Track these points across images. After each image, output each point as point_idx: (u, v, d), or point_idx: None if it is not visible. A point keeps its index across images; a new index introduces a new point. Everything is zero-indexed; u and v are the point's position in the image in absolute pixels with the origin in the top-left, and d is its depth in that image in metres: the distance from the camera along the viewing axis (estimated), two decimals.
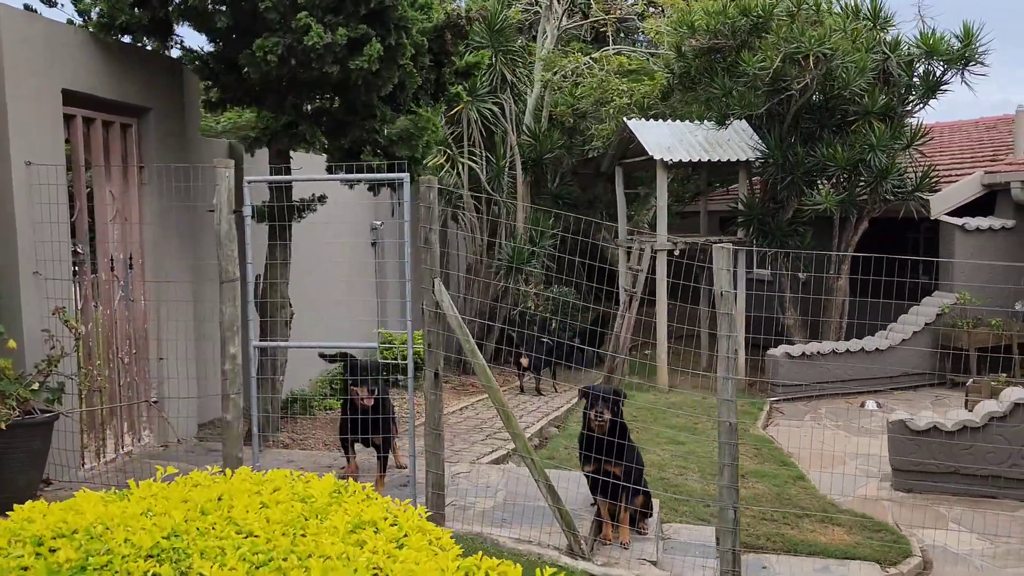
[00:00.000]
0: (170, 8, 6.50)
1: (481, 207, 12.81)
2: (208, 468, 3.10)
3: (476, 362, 5.34)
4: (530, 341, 11.28)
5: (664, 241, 12.34)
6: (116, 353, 6.70)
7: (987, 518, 7.00)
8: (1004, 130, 15.87)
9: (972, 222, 12.57)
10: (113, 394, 6.68)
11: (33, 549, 2.32)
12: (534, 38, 14.83)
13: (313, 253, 8.65)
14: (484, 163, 12.74)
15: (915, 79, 12.15)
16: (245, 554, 2.23)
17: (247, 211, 5.66)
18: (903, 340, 12.32)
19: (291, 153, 7.61)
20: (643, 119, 13.05)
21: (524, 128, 13.51)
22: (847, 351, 12.15)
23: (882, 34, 12.10)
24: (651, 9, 16.77)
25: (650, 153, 12.22)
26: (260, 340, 6.46)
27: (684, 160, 12.43)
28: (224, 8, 6.38)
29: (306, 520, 2.50)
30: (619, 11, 15.58)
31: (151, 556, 2.25)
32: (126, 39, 6.92)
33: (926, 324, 12.36)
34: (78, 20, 7.08)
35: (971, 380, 9.86)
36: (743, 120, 12.66)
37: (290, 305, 7.68)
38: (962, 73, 11.90)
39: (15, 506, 2.67)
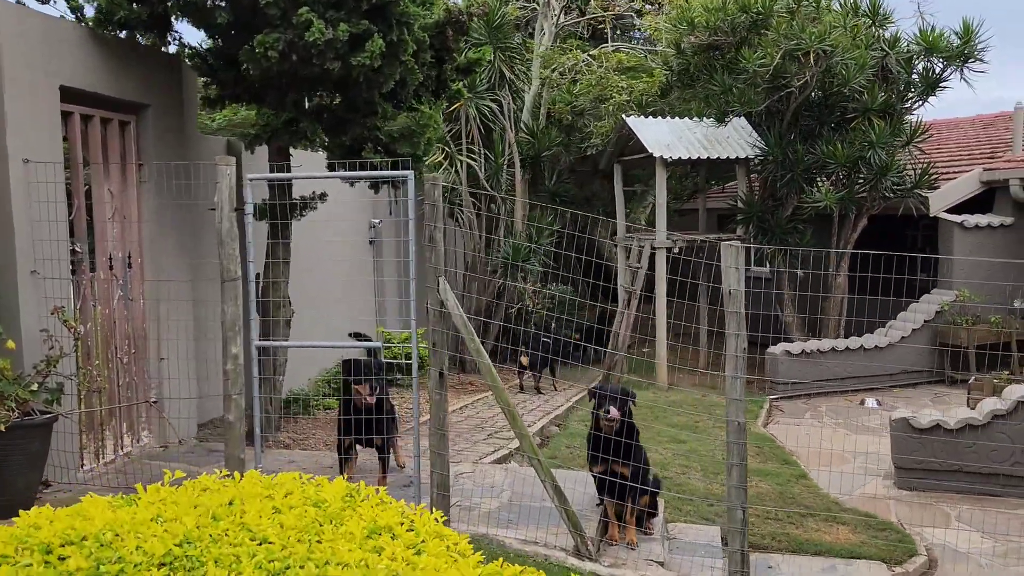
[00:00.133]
0: (169, 3, 6.42)
1: (480, 204, 12.75)
2: (216, 471, 3.04)
3: (482, 361, 5.29)
4: (531, 340, 11.24)
5: (663, 239, 12.30)
6: (115, 353, 6.63)
7: (991, 516, 6.98)
8: (1002, 127, 15.87)
9: (971, 219, 12.56)
10: (112, 394, 6.61)
11: (41, 557, 2.26)
12: (531, 35, 14.78)
13: (312, 251, 8.58)
14: (482, 161, 12.68)
15: (914, 76, 12.14)
16: (261, 562, 2.17)
17: (249, 209, 5.58)
18: (902, 338, 12.31)
19: (290, 151, 7.54)
20: (642, 116, 13.01)
21: (522, 125, 13.46)
22: (847, 349, 12.13)
23: (881, 31, 12.09)
24: (648, 6, 16.72)
25: (649, 150, 12.18)
26: (261, 340, 6.37)
27: (683, 157, 12.39)
28: (224, 3, 6.31)
29: (320, 526, 2.44)
30: (617, 7, 15.51)
31: (164, 564, 2.19)
32: (123, 35, 6.84)
33: (925, 321, 12.35)
34: (70, 17, 7.00)
35: (973, 378, 9.85)
36: (742, 117, 12.63)
37: (290, 304, 7.61)
38: (961, 70, 11.89)
39: (20, 512, 2.60)
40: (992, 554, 6.49)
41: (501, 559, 2.36)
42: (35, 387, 5.32)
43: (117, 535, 2.37)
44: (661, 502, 6.22)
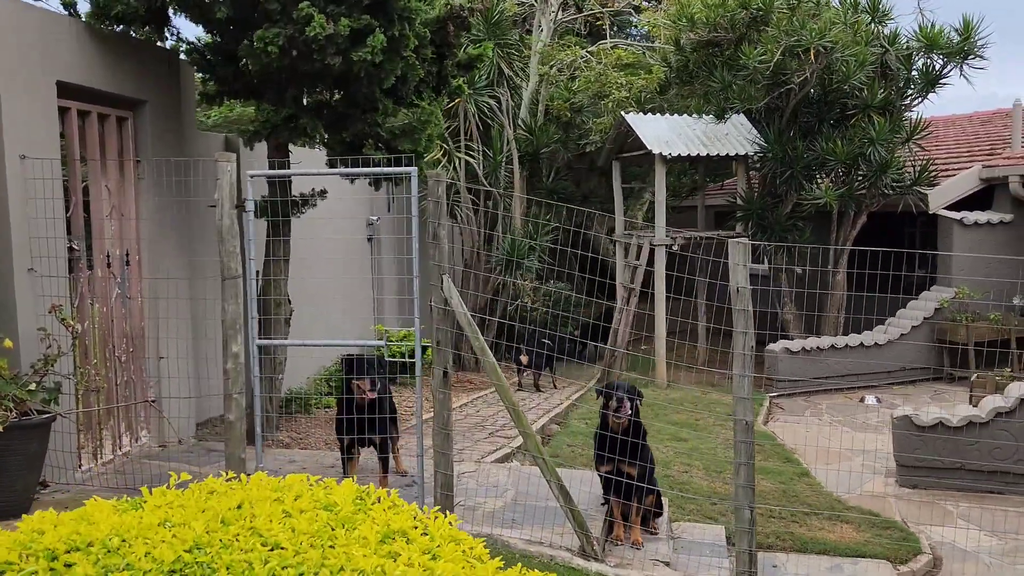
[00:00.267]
0: None
1: (478, 201, 12.69)
2: (223, 473, 2.98)
3: (486, 360, 5.23)
4: (532, 338, 11.19)
5: (663, 236, 12.25)
6: (113, 352, 6.55)
7: (994, 515, 6.95)
8: (1000, 124, 15.86)
9: (970, 216, 12.54)
10: (110, 394, 6.53)
11: (47, 564, 2.19)
12: (529, 31, 14.71)
13: (310, 249, 8.50)
14: (481, 158, 12.61)
15: (914, 73, 12.11)
16: (274, 568, 2.11)
17: (250, 206, 5.51)
18: (902, 335, 12.29)
19: (289, 148, 7.46)
20: (640, 113, 12.96)
21: (520, 122, 13.40)
22: (846, 346, 12.11)
23: (880, 28, 12.05)
24: (646, 3, 16.67)
25: (648, 147, 12.13)
26: (261, 338, 6.30)
27: (683, 154, 12.34)
28: None
29: (332, 530, 2.38)
30: (615, 3, 15.45)
31: (174, 572, 2.13)
32: (120, 30, 6.75)
33: (925, 319, 12.33)
34: (63, 13, 6.91)
35: (975, 375, 9.82)
36: (741, 114, 12.59)
37: (289, 302, 7.54)
38: (961, 67, 11.86)
39: (24, 516, 2.54)
40: (997, 552, 6.46)
41: (520, 565, 2.30)
42: (33, 387, 5.24)
43: (124, 540, 2.31)
44: (665, 501, 6.18)
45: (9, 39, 5.56)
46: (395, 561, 2.18)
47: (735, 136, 12.84)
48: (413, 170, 5.36)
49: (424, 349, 5.70)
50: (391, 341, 9.56)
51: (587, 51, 14.14)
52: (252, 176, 5.62)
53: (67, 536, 2.34)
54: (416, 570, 2.13)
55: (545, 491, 5.43)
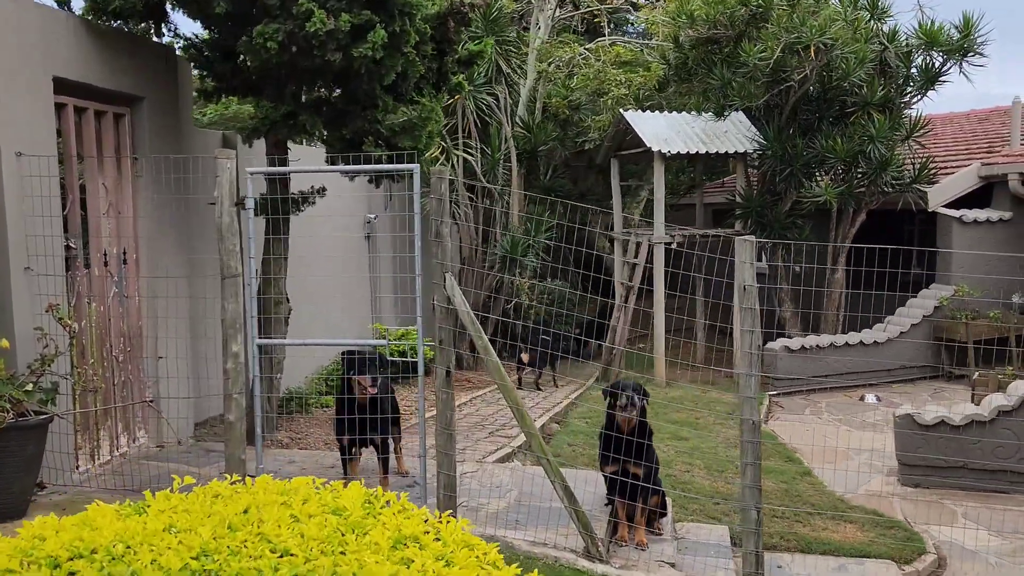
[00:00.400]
0: None
1: (476, 199, 12.63)
2: (227, 477, 2.92)
3: (489, 359, 5.17)
4: (530, 336, 11.14)
5: (662, 234, 12.20)
6: (110, 351, 6.47)
7: (997, 514, 6.92)
8: (997, 122, 15.84)
9: (970, 214, 12.52)
10: (107, 394, 6.45)
11: (49, 572, 2.13)
12: (526, 29, 14.64)
13: (308, 247, 8.43)
14: (479, 156, 12.55)
15: (913, 70, 12.08)
16: None
17: (250, 203, 5.44)
18: (901, 333, 12.27)
19: (288, 145, 7.39)
20: (639, 111, 12.90)
21: (517, 120, 13.33)
22: (846, 344, 12.08)
23: (879, 25, 12.02)
24: (644, 0, 16.61)
25: (647, 145, 12.08)
26: (260, 337, 6.22)
27: (682, 152, 12.29)
28: None
29: (343, 535, 2.32)
30: (613, 0, 15.39)
31: None
32: (118, 25, 6.68)
33: (924, 317, 12.31)
34: (59, 8, 6.83)
35: (977, 373, 9.79)
36: (740, 112, 12.54)
37: (288, 301, 7.47)
38: (960, 64, 11.83)
39: (24, 522, 2.47)
40: (1002, 552, 6.42)
41: (536, 572, 2.24)
42: (29, 387, 5.17)
43: (128, 547, 2.24)
44: (669, 501, 6.13)
45: (5, 35, 5.48)
46: (408, 568, 2.12)
47: (734, 134, 12.79)
48: (415, 167, 5.30)
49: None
50: (386, 339, 9.52)
51: (585, 48, 14.08)
52: (252, 173, 5.54)
53: (69, 542, 2.27)
54: None
55: (548, 492, 5.37)
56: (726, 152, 12.66)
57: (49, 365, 5.37)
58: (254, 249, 5.61)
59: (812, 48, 10.86)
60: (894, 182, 12.06)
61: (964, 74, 11.91)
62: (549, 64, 13.58)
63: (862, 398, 11.50)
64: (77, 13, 6.50)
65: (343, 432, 5.90)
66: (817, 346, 12.00)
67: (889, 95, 11.83)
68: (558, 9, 14.58)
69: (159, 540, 2.25)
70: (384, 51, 6.10)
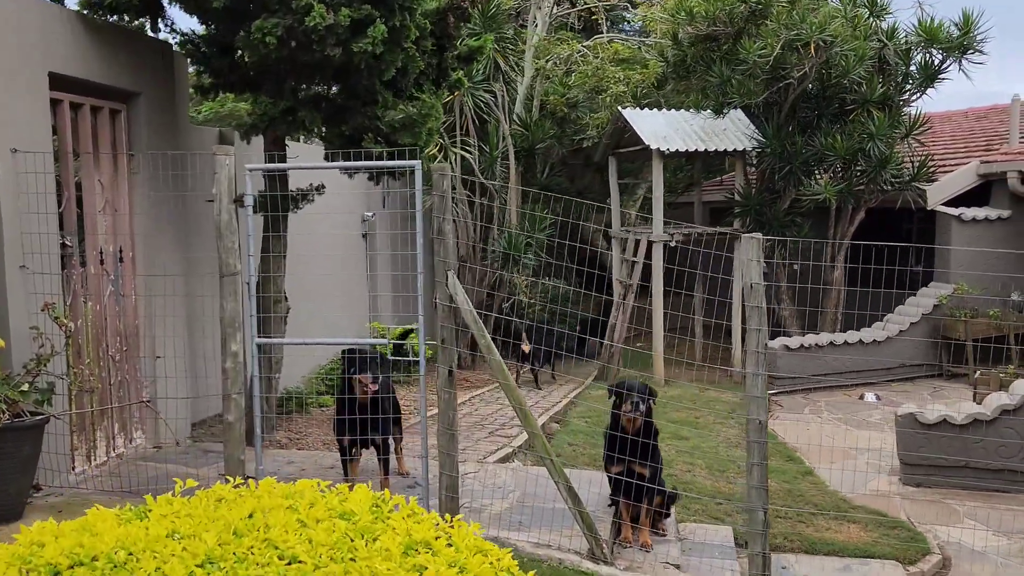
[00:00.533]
0: None
1: (474, 197, 12.56)
2: (229, 479, 2.85)
3: (492, 359, 5.10)
4: (534, 332, 11.09)
5: (660, 232, 12.14)
6: (106, 351, 6.39)
7: (1001, 514, 6.88)
8: (995, 119, 15.83)
9: (968, 212, 12.49)
10: (104, 394, 6.36)
11: None
12: (523, 26, 14.56)
13: (306, 245, 8.35)
14: (476, 153, 12.48)
15: (912, 68, 12.04)
16: None
17: (249, 200, 5.36)
18: (900, 331, 12.23)
19: (286, 142, 7.31)
20: (637, 108, 12.84)
21: (515, 117, 13.26)
22: (845, 343, 12.04)
23: (878, 22, 11.98)
24: None
25: (646, 142, 12.01)
26: (259, 337, 6.14)
27: (681, 150, 12.23)
28: None
29: (352, 541, 2.25)
30: None
31: None
32: (114, 20, 6.59)
33: (923, 315, 12.27)
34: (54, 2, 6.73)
35: (979, 372, 9.76)
36: (739, 109, 12.48)
37: (286, 299, 7.39)
38: (960, 62, 11.80)
39: (22, 528, 2.39)
40: (1006, 552, 6.38)
41: (536, 573, 2.17)
42: (25, 387, 5.08)
43: (131, 554, 2.17)
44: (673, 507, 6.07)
45: (1, 28, 5.39)
46: (421, 575, 2.05)
47: (733, 131, 12.74)
48: (417, 163, 5.23)
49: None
50: (384, 338, 9.45)
51: (583, 45, 14.01)
52: (251, 170, 5.46)
53: (70, 549, 2.20)
54: None
55: (550, 492, 5.32)
56: (725, 150, 12.60)
57: (45, 365, 5.28)
58: (253, 247, 5.53)
59: (812, 45, 10.81)
60: (893, 180, 12.02)
61: (963, 71, 11.89)
62: (547, 61, 13.51)
63: (862, 397, 11.46)
64: (73, 8, 6.41)
65: (343, 432, 5.82)
66: (816, 345, 11.95)
67: (888, 93, 11.79)
68: (555, 6, 14.51)
69: (162, 547, 2.18)
70: (384, 46, 6.02)
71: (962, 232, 12.48)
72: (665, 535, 5.59)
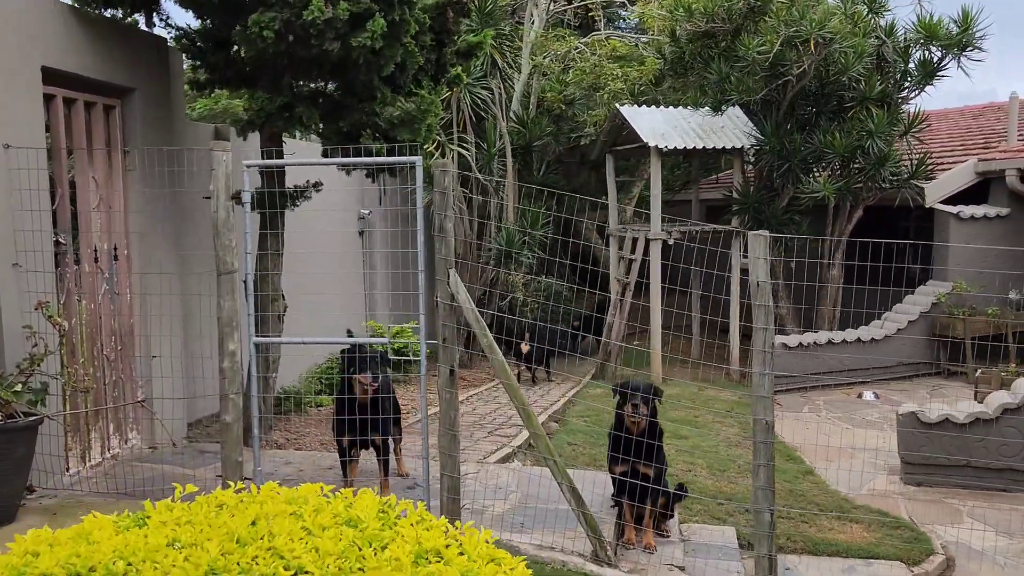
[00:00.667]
0: None
1: (471, 194, 12.48)
2: (230, 484, 2.76)
3: (495, 358, 5.03)
4: (531, 331, 11.02)
5: (658, 229, 12.07)
6: (101, 350, 6.29)
7: (1004, 514, 6.84)
8: (992, 117, 15.80)
9: (967, 210, 12.46)
10: (98, 394, 6.27)
11: None
12: (519, 23, 14.47)
13: (302, 243, 8.26)
14: (474, 150, 12.39)
15: (911, 65, 12.00)
16: None
17: (246, 197, 5.27)
18: (898, 329, 12.19)
19: (283, 138, 7.21)
20: (635, 105, 12.77)
21: (512, 115, 13.18)
22: (843, 341, 11.99)
23: (877, 19, 11.93)
24: None
25: (644, 140, 11.94)
26: (258, 336, 6.04)
27: (679, 147, 12.16)
28: None
29: (360, 550, 2.17)
30: None
31: None
32: (108, 14, 6.48)
33: (922, 313, 12.24)
34: None
35: (980, 371, 9.71)
36: (737, 107, 12.42)
37: (283, 298, 7.30)
38: (959, 59, 11.76)
39: (16, 536, 2.31)
40: (1010, 553, 6.33)
41: None
42: (18, 388, 4.98)
43: (130, 564, 2.09)
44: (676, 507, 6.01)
45: None
46: None
47: (731, 129, 12.68)
48: (418, 159, 5.14)
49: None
50: (380, 336, 9.36)
51: (581, 42, 13.93)
52: (248, 166, 5.37)
53: (66, 559, 2.11)
54: None
55: (551, 494, 5.25)
56: (723, 147, 12.54)
57: (38, 365, 5.19)
58: (250, 244, 5.44)
59: (812, 42, 10.74)
60: (892, 178, 11.97)
61: (962, 68, 11.84)
62: (544, 58, 13.42)
63: (860, 395, 11.42)
64: (66, 2, 6.30)
65: (343, 433, 5.73)
66: (815, 343, 11.90)
67: (887, 90, 11.74)
68: (552, 3, 14.42)
69: (163, 556, 2.09)
70: (383, 41, 5.94)
71: (960, 230, 12.45)
72: (668, 536, 5.53)
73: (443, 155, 11.85)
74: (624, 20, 19.49)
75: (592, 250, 15.37)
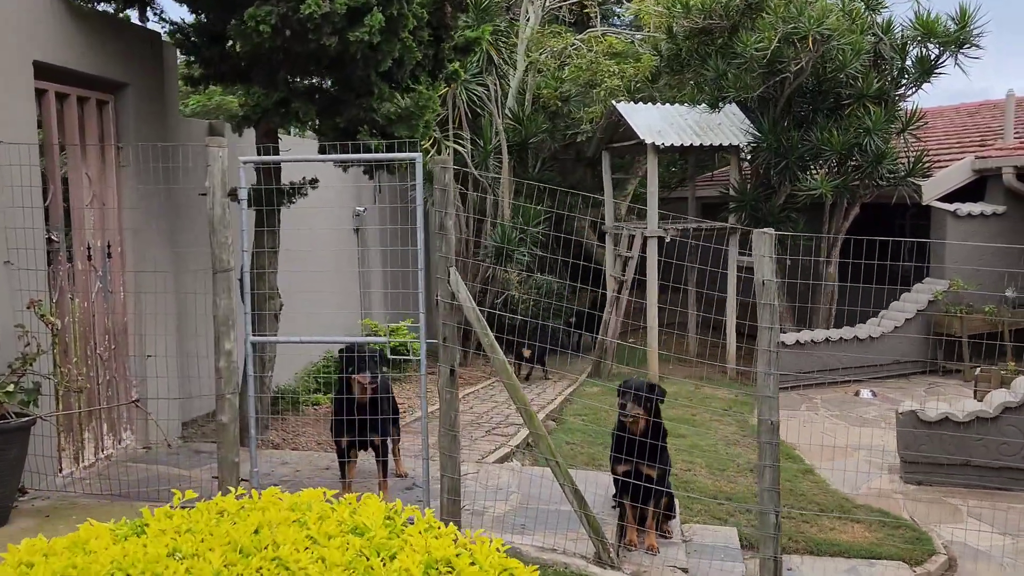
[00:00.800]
0: None
1: (468, 191, 12.39)
2: (230, 489, 2.69)
3: (496, 358, 4.96)
4: (530, 331, 10.95)
5: (655, 227, 12.01)
6: (94, 349, 6.19)
7: (1004, 513, 6.81)
8: (988, 115, 15.80)
9: (964, 208, 12.44)
10: (92, 393, 6.17)
11: None
12: (514, 19, 14.38)
13: (297, 240, 8.17)
14: (470, 147, 12.31)
15: (908, 62, 11.96)
16: None
17: (243, 194, 5.18)
18: (895, 327, 12.16)
19: (279, 134, 7.12)
20: (631, 103, 12.70)
21: (507, 111, 13.10)
22: (840, 339, 11.96)
23: (875, 16, 11.89)
24: None
25: (641, 137, 11.87)
26: (255, 335, 5.96)
27: (675, 144, 12.10)
28: None
29: (367, 560, 2.10)
30: None
31: None
32: (101, 8, 6.38)
33: (918, 311, 12.21)
34: None
35: (979, 369, 9.69)
36: (734, 104, 12.36)
37: (279, 296, 7.22)
38: (956, 56, 11.72)
39: (9, 546, 2.23)
40: (1011, 552, 6.30)
41: None
42: (10, 388, 4.89)
43: (128, 575, 2.01)
44: (676, 503, 5.95)
45: None
46: None
47: (728, 126, 12.62)
48: (418, 156, 5.06)
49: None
50: (383, 335, 9.28)
51: (577, 39, 13.85)
52: (245, 162, 5.28)
53: (62, 570, 2.04)
54: None
55: (552, 494, 5.19)
56: (720, 145, 12.48)
57: (31, 364, 5.10)
58: (246, 242, 5.35)
59: (809, 38, 10.69)
60: (889, 175, 11.93)
61: (959, 66, 11.80)
62: (540, 54, 13.34)
63: (857, 393, 11.39)
64: None
65: (341, 434, 5.64)
66: (811, 341, 11.88)
67: (884, 87, 11.70)
68: None
69: (163, 568, 2.02)
70: (381, 36, 5.85)
71: (957, 228, 12.43)
72: (670, 537, 5.47)
73: (439, 152, 11.76)
74: (620, 17, 19.43)
75: (587, 247, 15.30)
